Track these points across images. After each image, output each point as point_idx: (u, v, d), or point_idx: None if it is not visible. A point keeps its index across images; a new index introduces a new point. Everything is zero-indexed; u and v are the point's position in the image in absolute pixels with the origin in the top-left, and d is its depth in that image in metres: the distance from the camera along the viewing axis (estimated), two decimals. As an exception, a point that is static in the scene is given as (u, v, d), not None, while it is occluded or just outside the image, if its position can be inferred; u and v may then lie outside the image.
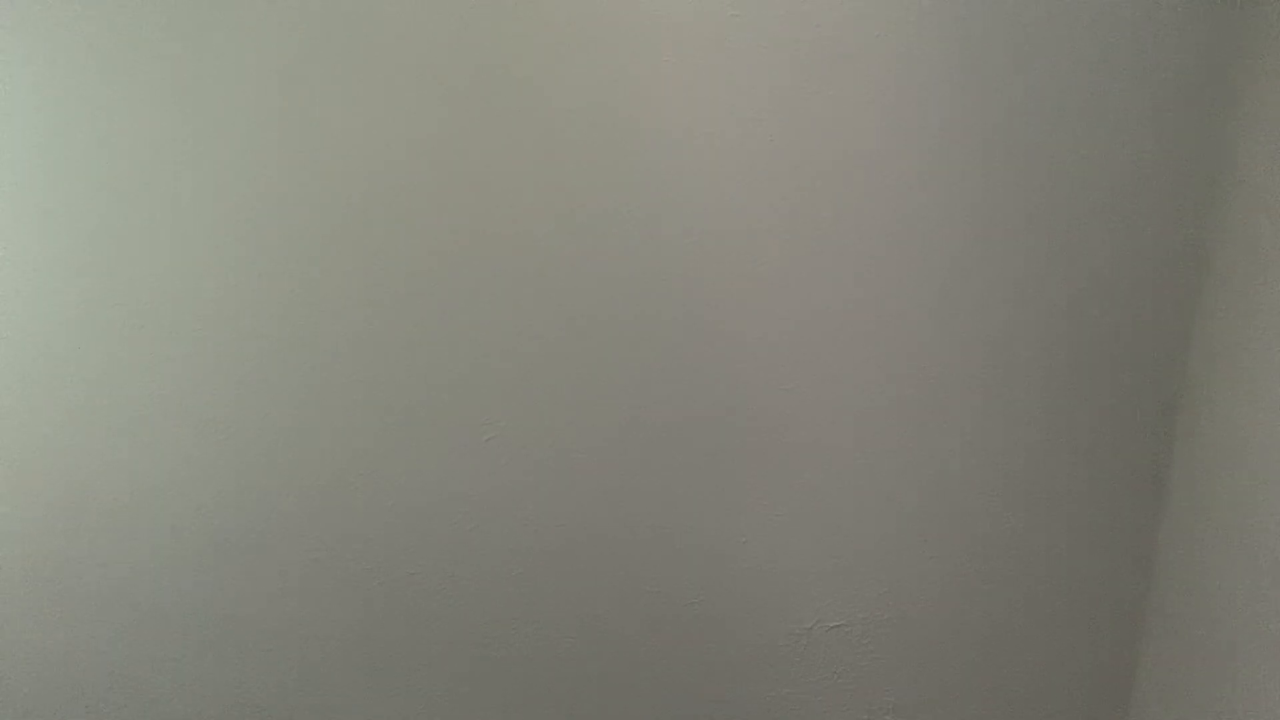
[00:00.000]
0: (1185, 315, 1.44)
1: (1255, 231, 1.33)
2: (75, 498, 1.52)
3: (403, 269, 1.47)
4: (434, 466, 1.50)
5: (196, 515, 1.52)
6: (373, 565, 1.53)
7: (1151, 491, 1.49)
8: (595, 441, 1.50)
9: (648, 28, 1.40)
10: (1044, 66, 1.39)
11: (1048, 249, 1.43)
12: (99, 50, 1.42)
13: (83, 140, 1.44)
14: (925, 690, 1.54)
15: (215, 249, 1.46)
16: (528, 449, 1.50)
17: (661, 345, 1.47)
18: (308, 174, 1.45)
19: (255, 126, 1.44)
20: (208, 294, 1.47)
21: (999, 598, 1.52)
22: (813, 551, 1.52)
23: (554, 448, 1.50)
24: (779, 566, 1.52)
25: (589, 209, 1.44)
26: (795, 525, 1.51)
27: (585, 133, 1.43)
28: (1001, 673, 1.54)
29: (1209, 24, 1.37)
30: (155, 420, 1.50)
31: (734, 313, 1.47)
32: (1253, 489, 1.30)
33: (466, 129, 1.43)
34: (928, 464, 1.49)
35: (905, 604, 1.52)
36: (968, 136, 1.41)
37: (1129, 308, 1.44)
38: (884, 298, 1.46)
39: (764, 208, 1.44)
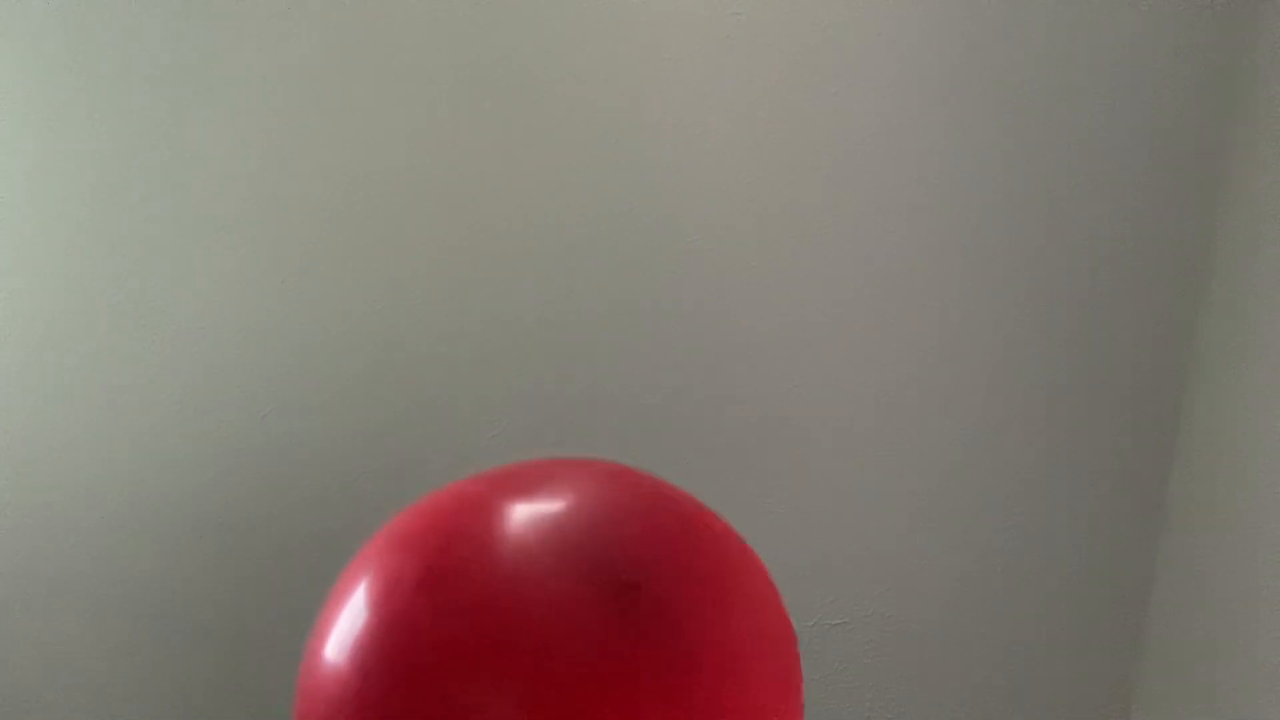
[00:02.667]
0: (1187, 315, 1.44)
1: (1255, 231, 1.33)
2: (71, 496, 1.51)
3: (403, 266, 1.46)
4: (436, 464, 1.50)
5: (196, 515, 1.52)
6: (373, 564, 1.53)
7: (1153, 492, 1.49)
8: (596, 439, 1.50)
9: (648, 26, 1.40)
10: (1045, 66, 1.39)
11: (1049, 249, 1.44)
12: (91, 47, 1.42)
13: (74, 137, 1.44)
14: (926, 688, 1.54)
15: (211, 244, 1.46)
16: (529, 447, 1.50)
17: (661, 343, 1.47)
18: (305, 168, 1.44)
19: (253, 120, 1.43)
20: (204, 290, 1.47)
21: (1000, 597, 1.52)
22: (814, 550, 1.52)
23: (553, 446, 1.50)
24: (780, 564, 1.52)
25: (588, 206, 1.44)
26: (796, 523, 1.51)
27: (586, 130, 1.43)
28: (1001, 671, 1.54)
29: (1211, 23, 1.37)
30: (155, 419, 1.49)
31: (735, 311, 1.47)
32: (1253, 489, 1.30)
33: (466, 126, 1.43)
34: (929, 463, 1.49)
35: (907, 602, 1.52)
36: (968, 137, 1.42)
37: (1130, 308, 1.45)
38: (885, 297, 1.46)
39: (766, 206, 1.44)
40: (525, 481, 0.71)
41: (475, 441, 1.49)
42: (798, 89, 1.41)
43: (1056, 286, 1.44)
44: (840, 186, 1.43)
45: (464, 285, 1.47)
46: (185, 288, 1.47)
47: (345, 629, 0.65)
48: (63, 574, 1.53)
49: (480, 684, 0.59)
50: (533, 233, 1.45)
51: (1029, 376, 1.47)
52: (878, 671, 1.54)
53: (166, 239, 1.46)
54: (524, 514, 0.68)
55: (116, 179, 1.45)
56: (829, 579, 1.52)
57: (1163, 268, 1.43)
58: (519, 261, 1.46)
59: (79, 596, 1.53)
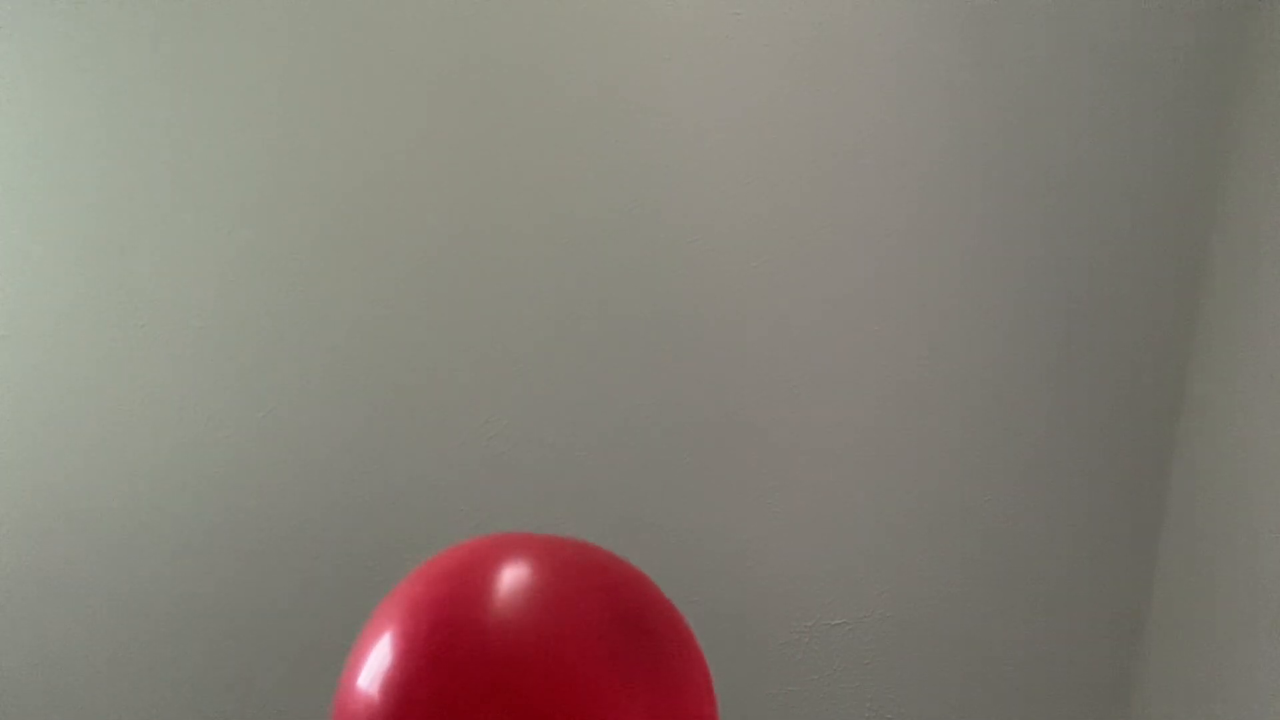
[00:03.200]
0: (1186, 315, 1.44)
1: (1255, 232, 1.33)
2: (72, 495, 1.51)
3: (402, 266, 1.46)
4: (436, 466, 1.50)
5: (194, 516, 1.51)
6: (373, 565, 1.53)
7: (1152, 492, 1.49)
8: (596, 441, 1.50)
9: (649, 26, 1.40)
10: (1045, 66, 1.39)
11: (1049, 250, 1.44)
12: (93, 47, 1.42)
13: (76, 137, 1.44)
14: (925, 689, 1.54)
15: (212, 246, 1.46)
16: (528, 448, 1.50)
17: (662, 344, 1.47)
18: (306, 169, 1.44)
19: (253, 122, 1.43)
20: (205, 292, 1.47)
21: (999, 597, 1.52)
22: (814, 550, 1.52)
23: (555, 447, 1.50)
24: (780, 565, 1.52)
25: (589, 206, 1.44)
26: (796, 524, 1.51)
27: (586, 131, 1.43)
28: (1001, 672, 1.54)
29: (1210, 24, 1.37)
30: (154, 419, 1.49)
31: (736, 312, 1.46)
32: (1253, 489, 1.30)
33: (466, 127, 1.43)
34: (928, 464, 1.49)
35: (906, 603, 1.52)
36: (968, 137, 1.42)
37: (1129, 309, 1.45)
38: (885, 298, 1.46)
39: (765, 206, 1.44)
40: (527, 547, 0.80)
41: (476, 441, 1.49)
42: (797, 89, 1.41)
43: (1057, 287, 1.44)
44: (840, 187, 1.43)
45: (464, 285, 1.47)
46: (186, 290, 1.47)
47: (375, 669, 0.74)
48: (63, 576, 1.53)
49: None
50: (533, 234, 1.45)
51: (1029, 378, 1.47)
52: (877, 671, 1.54)
53: (167, 242, 1.46)
54: (530, 574, 0.76)
55: (119, 182, 1.45)
56: (829, 579, 1.52)
57: (1162, 268, 1.43)
58: (519, 262, 1.46)
59: (79, 598, 1.53)
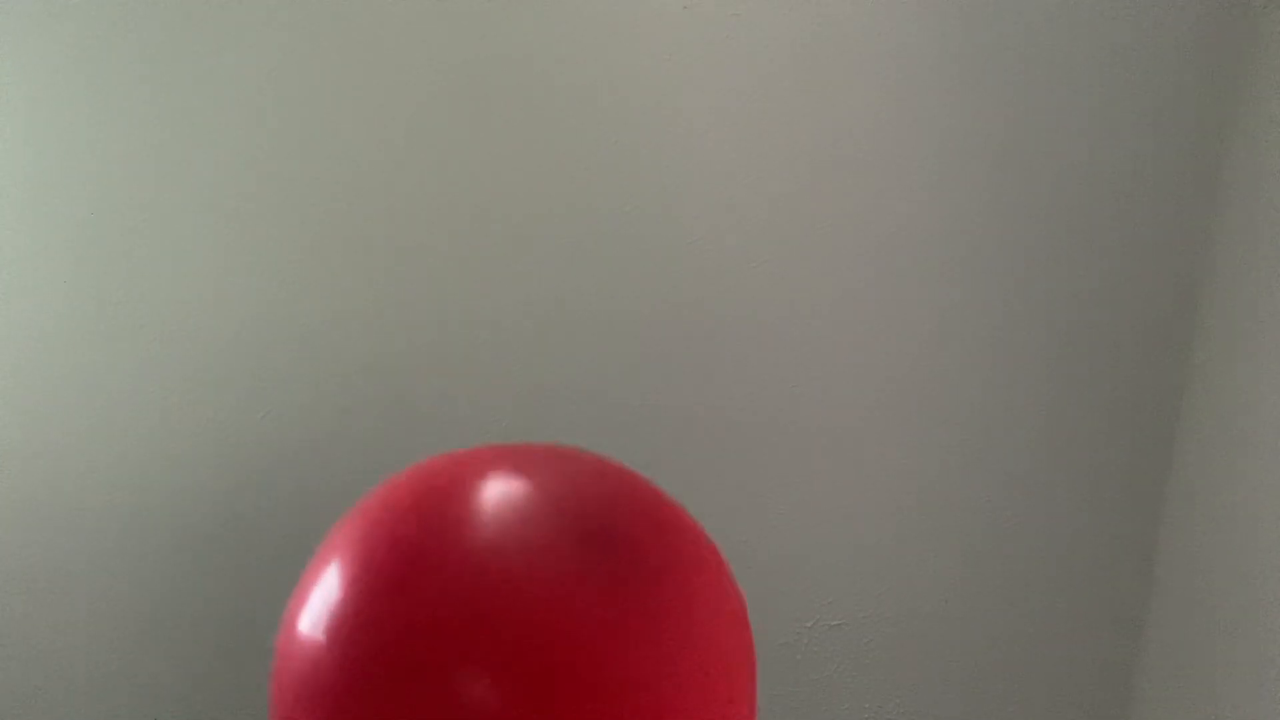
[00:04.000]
0: (1186, 314, 1.44)
1: (1255, 231, 1.33)
2: (69, 496, 1.51)
3: (401, 266, 1.46)
4: (434, 465, 1.50)
5: (195, 518, 1.51)
6: (372, 564, 1.53)
7: (1152, 492, 1.49)
8: (595, 441, 1.50)
9: (649, 26, 1.40)
10: (1046, 65, 1.39)
11: (1049, 248, 1.44)
12: (87, 44, 1.42)
13: (72, 137, 1.43)
14: (925, 689, 1.54)
15: (209, 246, 1.46)
16: (528, 448, 1.50)
17: (662, 343, 1.47)
18: (305, 167, 1.44)
19: (251, 120, 1.43)
20: (203, 292, 1.47)
21: (999, 597, 1.52)
22: (813, 550, 1.52)
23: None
24: (779, 565, 1.52)
25: (588, 206, 1.44)
26: (796, 524, 1.51)
27: (585, 131, 1.43)
28: (1001, 671, 1.54)
29: (1211, 24, 1.37)
30: (152, 420, 1.49)
31: (735, 311, 1.46)
32: (1252, 488, 1.30)
33: (464, 127, 1.43)
34: (928, 464, 1.49)
35: (905, 603, 1.52)
36: (968, 136, 1.42)
37: (1129, 308, 1.45)
38: (885, 297, 1.46)
39: (766, 206, 1.44)
40: (487, 459, 0.72)
41: (475, 442, 1.49)
42: (797, 89, 1.41)
43: (1055, 286, 1.44)
44: (840, 187, 1.43)
45: (463, 286, 1.47)
46: (183, 291, 1.47)
47: (320, 608, 0.64)
48: (61, 574, 1.53)
49: (457, 661, 0.59)
50: (533, 233, 1.45)
51: (1028, 377, 1.47)
52: (877, 671, 1.54)
53: (164, 242, 1.46)
54: (492, 488, 0.68)
55: (113, 183, 1.45)
56: (828, 580, 1.52)
57: (1162, 267, 1.43)
58: (518, 262, 1.46)
59: (78, 596, 1.53)
